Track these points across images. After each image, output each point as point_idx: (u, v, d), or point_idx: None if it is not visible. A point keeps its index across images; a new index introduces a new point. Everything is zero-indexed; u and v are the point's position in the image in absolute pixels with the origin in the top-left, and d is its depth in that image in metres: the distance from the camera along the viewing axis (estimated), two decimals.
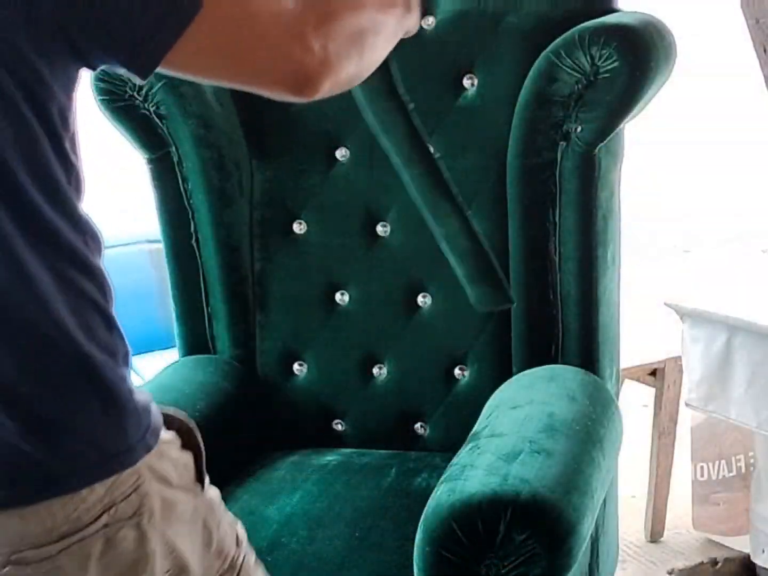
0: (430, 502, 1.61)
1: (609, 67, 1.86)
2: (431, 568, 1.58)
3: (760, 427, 2.51)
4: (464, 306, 2.08)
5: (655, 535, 2.90)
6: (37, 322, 1.10)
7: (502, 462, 1.63)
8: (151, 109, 2.01)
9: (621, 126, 1.94)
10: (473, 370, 2.10)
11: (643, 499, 2.90)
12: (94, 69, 1.12)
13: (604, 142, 1.93)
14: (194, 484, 1.31)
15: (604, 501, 1.88)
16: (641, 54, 1.85)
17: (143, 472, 1.22)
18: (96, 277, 1.15)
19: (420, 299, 2.09)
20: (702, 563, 2.80)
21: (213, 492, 1.36)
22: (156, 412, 1.25)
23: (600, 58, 1.87)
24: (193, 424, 1.33)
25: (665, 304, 2.65)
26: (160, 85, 1.99)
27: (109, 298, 1.17)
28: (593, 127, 1.91)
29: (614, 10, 1.98)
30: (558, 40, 1.87)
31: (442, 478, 1.66)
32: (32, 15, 1.03)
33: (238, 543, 1.37)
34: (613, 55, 1.86)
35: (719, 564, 2.80)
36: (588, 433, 1.78)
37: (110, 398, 1.18)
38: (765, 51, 2.90)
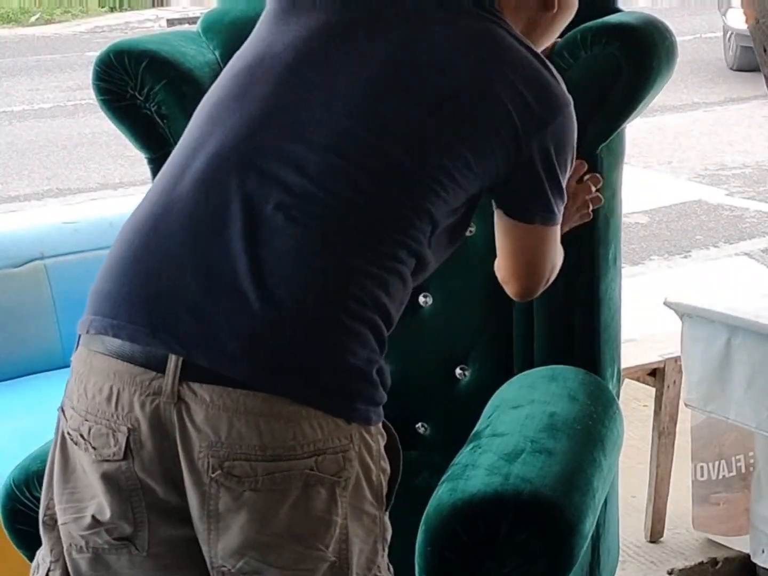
0: (432, 502, 1.60)
1: (611, 68, 1.86)
2: (432, 568, 1.58)
3: (760, 427, 2.51)
4: (465, 306, 2.09)
5: (655, 535, 2.89)
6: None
7: (503, 461, 1.63)
8: (153, 109, 2.01)
9: (622, 126, 1.95)
10: (474, 370, 2.10)
11: (643, 499, 2.90)
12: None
13: (606, 142, 1.93)
14: (382, 499, 1.44)
15: (605, 501, 1.88)
16: (643, 54, 1.85)
17: (355, 439, 1.37)
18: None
19: (421, 299, 2.09)
20: (702, 563, 2.80)
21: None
22: (384, 398, 1.41)
23: (602, 58, 1.87)
24: (394, 432, 1.48)
25: (665, 304, 2.64)
26: (161, 85, 1.98)
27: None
28: (594, 127, 1.91)
29: (616, 10, 1.98)
30: (560, 40, 1.87)
31: (443, 478, 1.66)
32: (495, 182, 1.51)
33: None
34: (615, 55, 1.86)
35: (719, 564, 2.80)
36: (589, 433, 1.78)
37: (371, 344, 1.38)
38: (765, 51, 2.90)
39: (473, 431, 1.81)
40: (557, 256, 1.66)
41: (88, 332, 1.43)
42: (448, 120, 1.45)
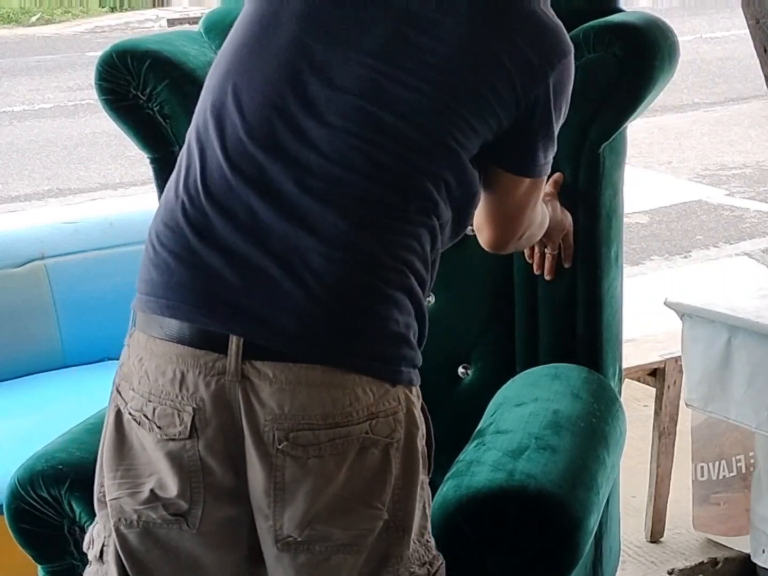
0: (437, 498, 1.61)
1: (613, 67, 1.87)
2: None
3: (760, 427, 2.51)
4: (468, 304, 2.09)
5: (655, 535, 2.89)
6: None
7: (508, 458, 1.64)
8: (155, 109, 2.01)
9: (625, 125, 1.95)
10: (477, 369, 2.10)
11: (643, 499, 2.90)
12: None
13: (608, 141, 1.94)
14: (425, 462, 1.51)
15: (608, 499, 1.89)
16: (645, 53, 1.86)
17: (402, 401, 1.45)
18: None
19: None
20: (702, 563, 2.80)
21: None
22: (421, 360, 1.51)
23: (605, 58, 1.87)
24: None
25: (665, 304, 2.65)
26: (163, 85, 1.99)
27: None
28: (597, 127, 1.91)
29: (618, 10, 1.99)
30: None
31: (448, 475, 1.66)
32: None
33: None
34: (617, 55, 1.87)
35: (719, 564, 2.80)
36: (593, 431, 1.78)
37: (407, 308, 1.47)
38: (765, 51, 2.91)
39: (477, 429, 1.82)
40: (535, 213, 1.68)
41: (144, 311, 1.48)
42: (449, 88, 1.47)
